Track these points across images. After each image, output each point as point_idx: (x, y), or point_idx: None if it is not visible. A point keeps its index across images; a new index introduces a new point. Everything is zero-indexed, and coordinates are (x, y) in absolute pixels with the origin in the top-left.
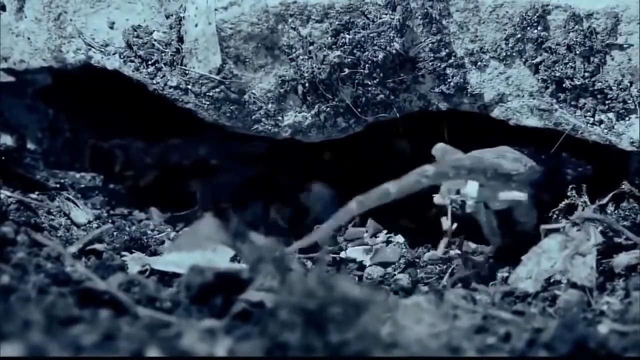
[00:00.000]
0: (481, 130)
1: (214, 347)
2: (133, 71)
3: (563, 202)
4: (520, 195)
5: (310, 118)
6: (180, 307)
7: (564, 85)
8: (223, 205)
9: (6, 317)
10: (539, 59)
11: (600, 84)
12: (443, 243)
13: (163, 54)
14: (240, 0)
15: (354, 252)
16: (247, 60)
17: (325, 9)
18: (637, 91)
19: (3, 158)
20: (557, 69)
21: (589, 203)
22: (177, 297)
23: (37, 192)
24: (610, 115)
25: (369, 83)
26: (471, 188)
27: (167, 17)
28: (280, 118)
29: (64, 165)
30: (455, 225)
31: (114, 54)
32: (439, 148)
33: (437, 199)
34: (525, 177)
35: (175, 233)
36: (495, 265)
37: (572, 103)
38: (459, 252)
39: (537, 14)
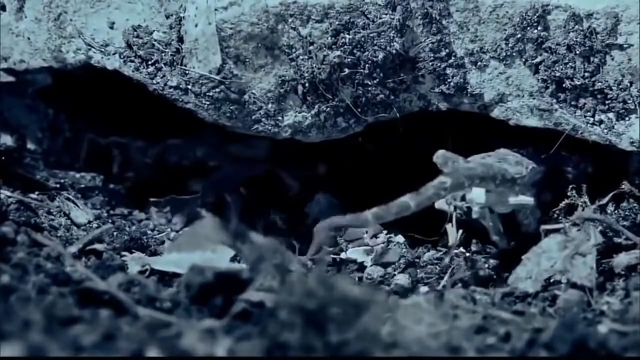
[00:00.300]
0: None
1: (214, 347)
2: (133, 71)
3: (563, 202)
4: (528, 200)
5: (310, 118)
6: (180, 307)
7: (564, 85)
8: (224, 197)
9: (6, 317)
10: (539, 59)
11: (600, 84)
12: (450, 253)
13: (163, 54)
14: (240, 0)
15: (354, 252)
16: (247, 60)
17: (325, 9)
18: (637, 91)
19: (3, 158)
20: (557, 69)
21: (589, 203)
22: (177, 297)
23: (37, 192)
24: (610, 115)
25: (369, 83)
26: (478, 194)
27: (167, 17)
28: (280, 118)
29: (64, 165)
30: (460, 232)
31: (114, 54)
32: (440, 155)
33: (438, 204)
34: (528, 180)
35: (175, 233)
36: (498, 267)
37: (572, 103)
38: (463, 250)
39: (537, 14)
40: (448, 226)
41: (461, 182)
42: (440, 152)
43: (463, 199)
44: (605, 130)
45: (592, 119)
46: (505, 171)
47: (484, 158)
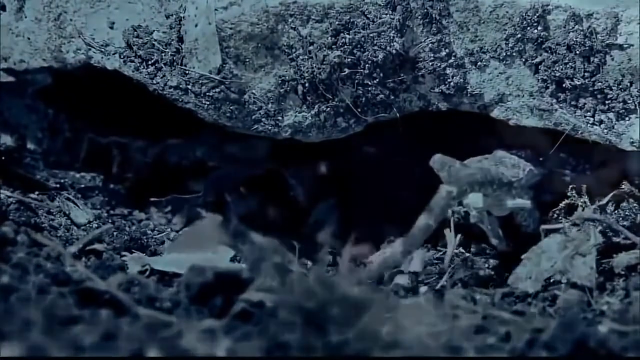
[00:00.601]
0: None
1: (214, 347)
2: (133, 71)
3: (563, 202)
4: (526, 203)
5: (310, 118)
6: (180, 307)
7: (564, 85)
8: (226, 196)
9: (6, 317)
10: (539, 59)
11: (600, 84)
12: (448, 257)
13: (163, 54)
14: (240, 0)
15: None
16: (247, 60)
17: (325, 9)
18: (637, 91)
19: (3, 158)
20: (557, 69)
21: (589, 203)
22: (177, 297)
23: (37, 192)
24: (610, 115)
25: (369, 83)
26: (475, 199)
27: (167, 17)
28: (280, 118)
29: (64, 165)
30: (459, 236)
31: (114, 54)
32: (437, 160)
33: None
34: (525, 182)
35: (175, 233)
36: (498, 267)
37: (572, 103)
38: (462, 251)
39: (537, 14)
40: (446, 231)
41: (464, 189)
42: (437, 156)
43: (460, 203)
44: (605, 130)
45: (592, 119)
46: (502, 175)
47: (480, 161)
